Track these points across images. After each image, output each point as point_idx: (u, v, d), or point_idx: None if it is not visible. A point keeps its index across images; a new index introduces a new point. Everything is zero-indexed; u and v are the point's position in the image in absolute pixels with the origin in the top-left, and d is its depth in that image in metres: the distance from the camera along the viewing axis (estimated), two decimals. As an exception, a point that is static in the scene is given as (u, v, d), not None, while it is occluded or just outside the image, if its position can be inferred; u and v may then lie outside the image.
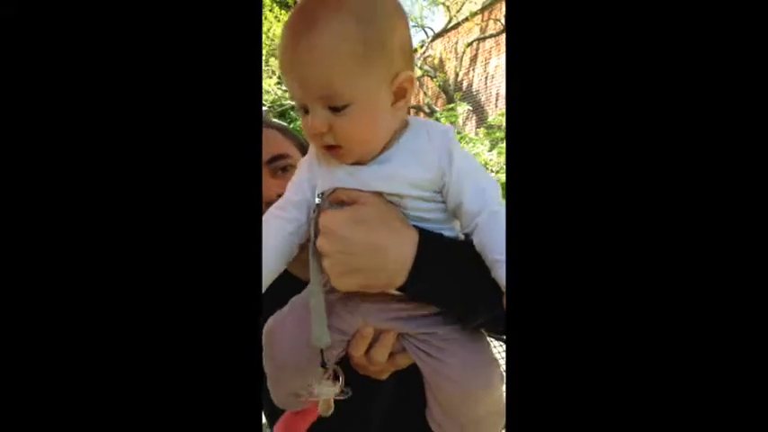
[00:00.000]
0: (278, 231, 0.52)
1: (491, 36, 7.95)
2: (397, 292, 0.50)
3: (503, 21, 7.33)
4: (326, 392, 0.51)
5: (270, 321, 0.56)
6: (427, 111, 8.62)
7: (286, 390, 0.56)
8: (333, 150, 0.48)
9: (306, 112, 0.46)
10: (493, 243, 0.46)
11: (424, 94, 8.97)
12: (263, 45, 7.81)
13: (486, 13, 8.03)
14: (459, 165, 0.48)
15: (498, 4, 7.57)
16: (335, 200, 0.50)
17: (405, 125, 0.51)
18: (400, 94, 0.47)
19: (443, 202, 0.50)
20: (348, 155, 0.48)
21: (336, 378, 0.52)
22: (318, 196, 0.51)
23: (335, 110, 0.44)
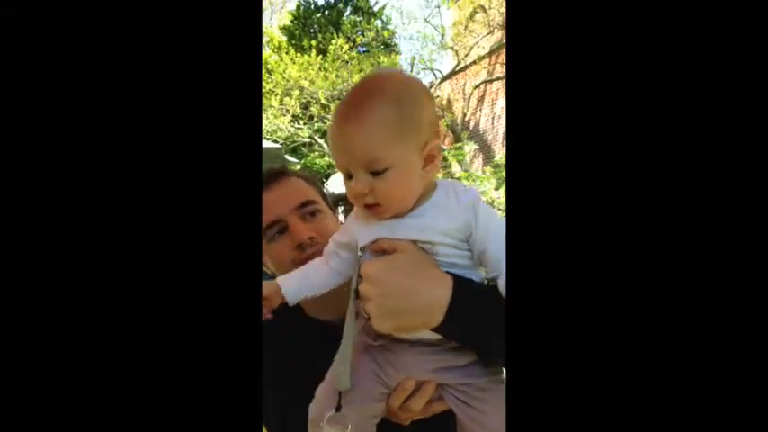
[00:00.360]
0: (320, 264, 0.64)
1: (498, 79, 8.17)
2: (436, 345, 0.56)
3: (509, 65, 7.54)
4: None
5: (321, 385, 0.62)
6: (435, 149, 8.72)
7: None
8: (373, 209, 0.56)
9: (349, 177, 0.56)
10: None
11: (433, 133, 9.10)
12: (279, 85, 8.08)
13: (492, 57, 8.30)
14: (484, 217, 0.56)
15: (505, 49, 7.83)
16: (377, 249, 0.58)
17: (434, 186, 0.59)
18: (429, 160, 0.56)
19: (470, 249, 0.57)
20: (386, 212, 0.56)
21: (346, 425, 0.56)
22: (360, 251, 0.59)
23: (376, 174, 0.53)
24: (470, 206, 0.56)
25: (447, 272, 0.56)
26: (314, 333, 0.74)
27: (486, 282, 0.59)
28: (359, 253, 0.59)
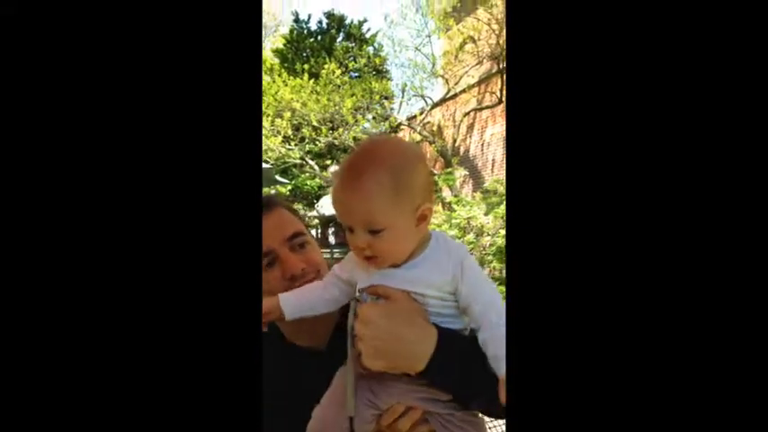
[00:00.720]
0: (319, 290, 0.71)
1: (487, 107, 8.36)
2: (422, 379, 0.62)
3: (498, 93, 7.74)
4: None
5: (319, 405, 0.68)
6: (425, 174, 8.82)
7: None
8: (371, 260, 0.64)
9: (351, 231, 0.63)
10: (494, 341, 0.59)
11: (423, 157, 9.22)
12: (270, 106, 8.15)
13: (482, 86, 8.51)
14: (469, 274, 0.63)
15: (494, 78, 8.03)
16: (373, 292, 0.65)
17: (427, 237, 0.66)
18: (422, 219, 0.63)
19: (456, 301, 0.65)
20: (383, 263, 0.64)
21: None
22: (358, 291, 0.66)
23: (373, 232, 0.60)
24: (459, 262, 0.63)
25: (434, 323, 0.63)
26: (296, 358, 0.79)
27: (468, 330, 0.66)
28: (357, 294, 0.67)
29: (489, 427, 1.34)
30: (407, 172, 0.61)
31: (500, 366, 0.57)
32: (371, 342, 0.61)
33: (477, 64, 8.32)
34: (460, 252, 0.65)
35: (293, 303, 0.69)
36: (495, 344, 0.58)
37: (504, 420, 1.30)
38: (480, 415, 0.67)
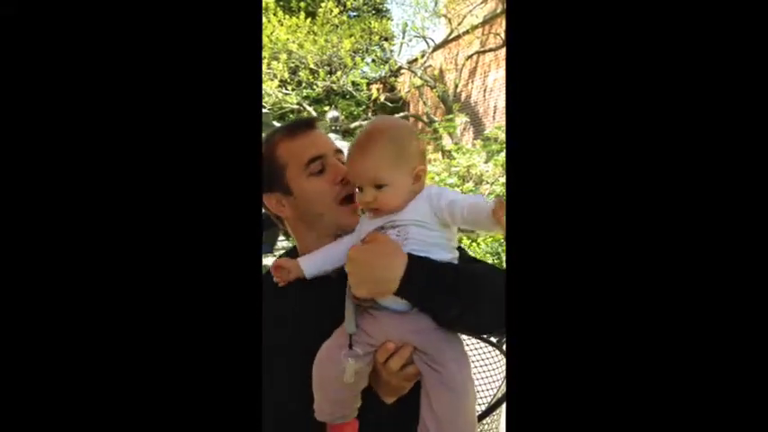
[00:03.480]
0: (333, 248, 0.85)
1: (491, 50, 8.04)
2: (405, 313, 0.75)
3: (503, 35, 7.42)
4: (351, 367, 0.73)
5: (323, 346, 0.79)
6: (426, 120, 8.68)
7: (327, 399, 0.77)
8: (376, 211, 0.79)
9: (360, 190, 0.79)
10: (470, 201, 0.74)
11: (424, 103, 9.03)
12: (266, 48, 7.84)
13: (486, 27, 8.14)
14: (440, 192, 0.79)
15: (499, 19, 7.67)
16: (365, 241, 0.80)
17: (421, 189, 0.80)
18: (417, 179, 0.79)
19: (438, 229, 0.78)
20: (384, 213, 0.79)
21: (359, 354, 0.75)
22: (362, 241, 0.80)
23: (378, 187, 0.77)
24: (436, 194, 0.78)
25: (410, 252, 0.75)
26: (308, 288, 0.88)
27: (456, 261, 0.80)
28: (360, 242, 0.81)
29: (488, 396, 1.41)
30: (404, 141, 0.79)
31: (483, 203, 0.71)
32: (354, 274, 0.75)
33: (481, 3, 7.91)
34: (440, 189, 0.80)
35: (311, 264, 0.84)
36: (471, 201, 0.73)
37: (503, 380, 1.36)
38: (460, 341, 0.78)
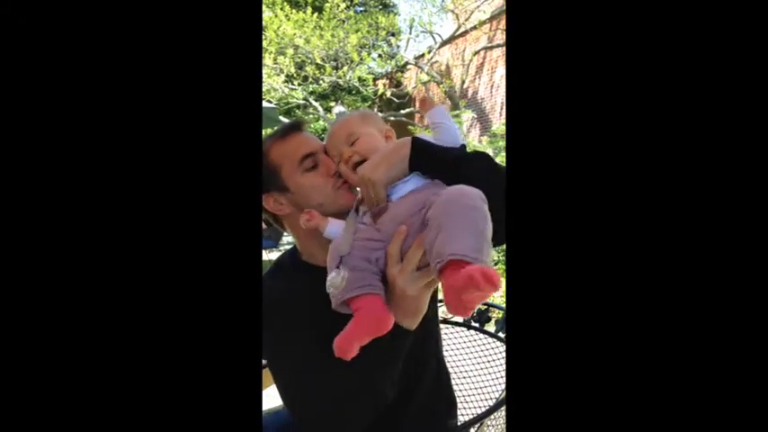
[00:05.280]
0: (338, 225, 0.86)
1: (498, 46, 7.99)
2: (414, 192, 0.77)
3: (511, 31, 7.34)
4: (337, 281, 0.73)
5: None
6: (432, 116, 8.62)
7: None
8: (361, 165, 0.80)
9: (341, 158, 0.85)
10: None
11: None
12: (272, 43, 7.83)
13: (494, 23, 8.08)
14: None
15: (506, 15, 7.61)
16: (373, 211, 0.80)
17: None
18: (388, 137, 0.90)
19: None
20: (368, 164, 0.80)
21: (342, 276, 0.75)
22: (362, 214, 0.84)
23: (353, 143, 0.85)
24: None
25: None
26: (308, 273, 0.92)
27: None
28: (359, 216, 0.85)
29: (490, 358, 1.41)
30: (367, 113, 0.93)
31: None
32: (367, 166, 0.78)
33: (489, -2, 7.85)
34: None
35: (334, 229, 0.85)
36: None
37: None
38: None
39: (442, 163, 0.77)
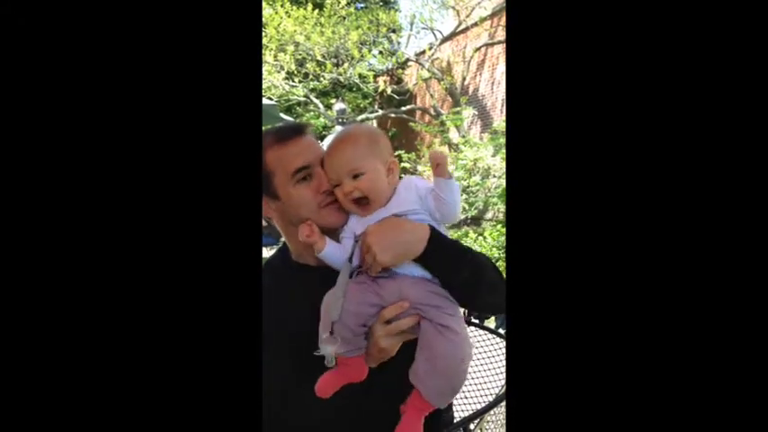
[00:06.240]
0: (335, 248, 0.89)
1: (499, 42, 7.96)
2: (424, 280, 0.82)
3: (512, 27, 7.31)
4: (329, 350, 0.79)
5: (331, 289, 0.85)
6: (433, 113, 8.63)
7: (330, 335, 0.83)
8: (359, 202, 0.84)
9: (339, 185, 0.84)
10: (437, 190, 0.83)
11: (431, 96, 8.98)
12: (273, 40, 7.81)
13: (495, 20, 8.05)
14: (421, 185, 0.87)
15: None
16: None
17: (398, 182, 0.88)
18: (390, 171, 0.86)
19: (423, 210, 0.85)
20: (371, 204, 0.84)
21: (336, 341, 0.80)
22: (356, 238, 0.86)
23: (356, 176, 0.83)
24: (422, 187, 0.85)
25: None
26: (300, 275, 0.96)
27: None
28: (355, 240, 0.86)
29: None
30: (375, 137, 0.88)
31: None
32: (377, 242, 0.79)
33: (490, -6, 7.81)
34: (421, 181, 0.87)
35: (328, 249, 0.88)
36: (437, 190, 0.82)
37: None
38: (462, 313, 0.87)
39: (450, 265, 0.81)
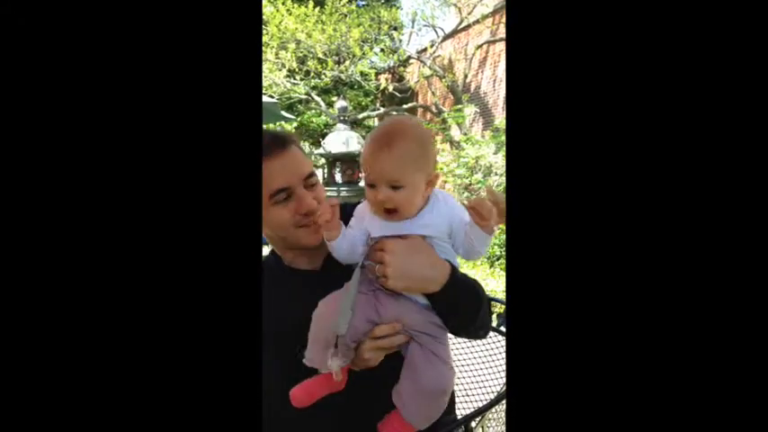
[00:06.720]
0: (344, 240, 0.84)
1: (501, 40, 7.93)
2: (425, 307, 0.80)
3: (514, 24, 7.28)
4: (336, 365, 0.77)
5: (326, 298, 0.83)
6: (435, 111, 8.62)
7: (317, 351, 0.80)
8: (391, 212, 0.79)
9: (373, 186, 0.78)
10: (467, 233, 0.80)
11: (433, 94, 8.96)
12: (274, 37, 7.80)
13: (497, 17, 8.02)
14: (456, 213, 0.81)
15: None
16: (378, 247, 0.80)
17: (429, 196, 0.83)
18: (430, 184, 0.80)
19: (448, 242, 0.82)
20: (400, 216, 0.80)
21: (343, 356, 0.79)
22: (371, 239, 0.82)
23: (395, 188, 0.76)
24: (451, 211, 0.81)
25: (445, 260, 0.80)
26: (292, 278, 0.95)
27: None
28: (370, 241, 0.82)
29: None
30: (426, 146, 0.79)
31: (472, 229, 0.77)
32: (397, 266, 0.76)
33: (492, -9, 7.78)
34: (451, 200, 0.84)
35: (340, 241, 0.85)
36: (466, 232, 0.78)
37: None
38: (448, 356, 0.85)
39: (456, 311, 0.80)
